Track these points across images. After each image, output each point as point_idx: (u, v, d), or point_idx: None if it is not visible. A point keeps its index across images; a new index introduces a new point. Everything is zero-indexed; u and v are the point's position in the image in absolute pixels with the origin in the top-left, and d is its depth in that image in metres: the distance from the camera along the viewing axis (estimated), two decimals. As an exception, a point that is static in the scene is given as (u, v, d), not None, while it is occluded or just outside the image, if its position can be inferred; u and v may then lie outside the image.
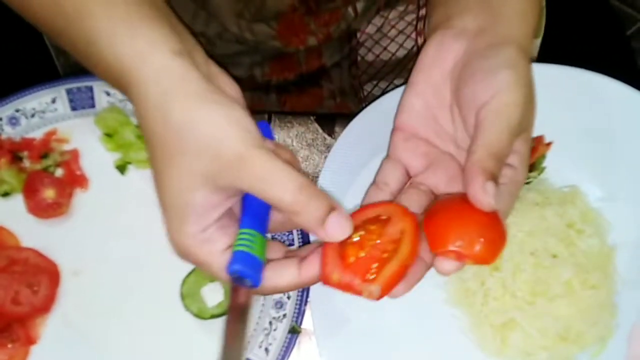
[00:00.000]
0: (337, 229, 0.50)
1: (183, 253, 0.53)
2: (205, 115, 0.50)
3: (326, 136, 0.78)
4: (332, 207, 0.50)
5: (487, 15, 0.57)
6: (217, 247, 0.52)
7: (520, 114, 0.52)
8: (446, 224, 0.52)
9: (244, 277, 0.51)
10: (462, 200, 0.52)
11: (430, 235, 0.52)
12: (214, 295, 0.70)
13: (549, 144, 0.71)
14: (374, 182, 0.60)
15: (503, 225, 0.52)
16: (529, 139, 0.56)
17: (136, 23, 0.51)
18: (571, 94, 0.72)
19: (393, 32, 0.87)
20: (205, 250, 0.52)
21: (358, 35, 0.86)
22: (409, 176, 0.60)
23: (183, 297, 0.69)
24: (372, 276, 0.51)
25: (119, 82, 0.53)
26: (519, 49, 0.55)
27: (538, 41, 0.87)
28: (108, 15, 0.52)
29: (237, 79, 0.86)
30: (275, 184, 0.48)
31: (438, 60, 0.58)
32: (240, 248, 0.51)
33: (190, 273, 0.70)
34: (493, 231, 0.52)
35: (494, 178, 0.50)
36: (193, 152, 0.49)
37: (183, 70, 0.51)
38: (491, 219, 0.51)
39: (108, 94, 0.73)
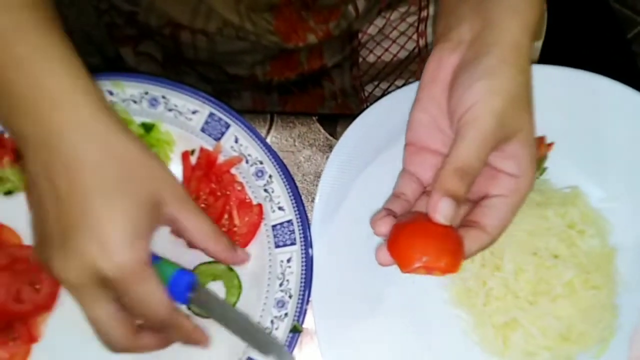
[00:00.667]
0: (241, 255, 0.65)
1: (127, 271, 0.54)
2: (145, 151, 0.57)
3: (328, 136, 0.78)
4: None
5: (480, 22, 0.58)
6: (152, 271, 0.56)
7: (496, 122, 0.54)
8: (410, 243, 0.55)
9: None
10: (420, 218, 0.55)
11: (397, 257, 0.55)
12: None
13: (550, 145, 0.72)
14: (392, 194, 0.62)
15: (459, 237, 0.56)
16: (526, 140, 0.56)
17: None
18: (573, 96, 0.72)
19: (395, 33, 0.87)
20: (149, 270, 0.55)
21: (359, 36, 0.86)
22: (423, 186, 0.62)
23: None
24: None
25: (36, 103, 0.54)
26: (503, 54, 0.56)
27: (540, 43, 0.87)
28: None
29: (239, 78, 0.87)
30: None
31: (438, 75, 0.60)
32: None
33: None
34: (452, 243, 0.55)
35: (453, 194, 0.53)
36: (144, 180, 0.56)
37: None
38: (448, 232, 0.54)
39: (111, 93, 0.73)
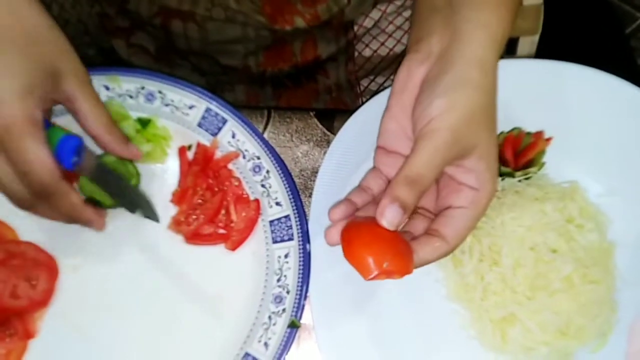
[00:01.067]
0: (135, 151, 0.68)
1: (13, 123, 0.58)
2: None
3: (325, 131, 0.78)
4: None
5: (450, 35, 0.60)
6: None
7: (450, 136, 0.57)
8: (366, 251, 0.57)
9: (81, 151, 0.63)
10: (369, 222, 0.58)
11: (358, 266, 0.57)
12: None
13: (548, 140, 0.72)
14: (358, 186, 0.64)
15: (406, 240, 0.59)
16: (483, 155, 0.59)
17: None
18: (571, 90, 0.72)
19: (390, 27, 0.87)
20: (36, 128, 0.59)
21: (355, 28, 0.86)
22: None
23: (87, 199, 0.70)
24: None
25: None
26: (464, 72, 0.58)
27: (536, 38, 0.87)
28: None
29: (232, 69, 0.87)
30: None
31: (407, 85, 0.62)
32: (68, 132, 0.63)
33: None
34: (403, 246, 0.58)
35: (401, 202, 0.56)
36: (47, 49, 0.61)
37: None
38: (397, 236, 0.58)
39: (107, 88, 0.73)
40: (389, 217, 0.56)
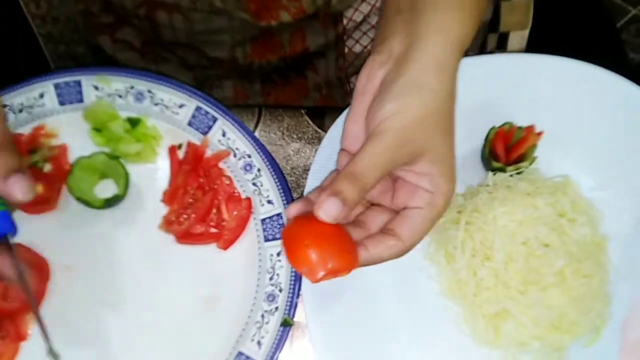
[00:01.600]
0: (17, 189, 0.55)
1: None
2: None
3: (316, 129, 0.77)
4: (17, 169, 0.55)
5: (409, 38, 0.60)
6: None
7: (396, 138, 0.57)
8: (310, 254, 0.56)
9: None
10: (312, 221, 0.57)
11: (303, 271, 0.57)
12: (105, 191, 0.72)
13: (540, 134, 0.71)
14: (319, 186, 0.64)
15: (348, 233, 0.59)
16: (435, 159, 0.59)
17: None
18: (562, 84, 0.72)
19: (380, 23, 0.86)
20: None
21: (345, 22, 0.85)
22: None
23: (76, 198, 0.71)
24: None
25: None
26: (418, 76, 0.58)
27: (526, 32, 0.87)
28: None
29: (219, 61, 0.86)
30: None
31: (367, 87, 0.62)
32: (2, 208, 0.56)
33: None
34: (346, 241, 0.58)
35: (341, 196, 0.56)
36: None
37: None
38: (338, 231, 0.58)
39: (96, 88, 0.73)
40: (327, 209, 0.56)
